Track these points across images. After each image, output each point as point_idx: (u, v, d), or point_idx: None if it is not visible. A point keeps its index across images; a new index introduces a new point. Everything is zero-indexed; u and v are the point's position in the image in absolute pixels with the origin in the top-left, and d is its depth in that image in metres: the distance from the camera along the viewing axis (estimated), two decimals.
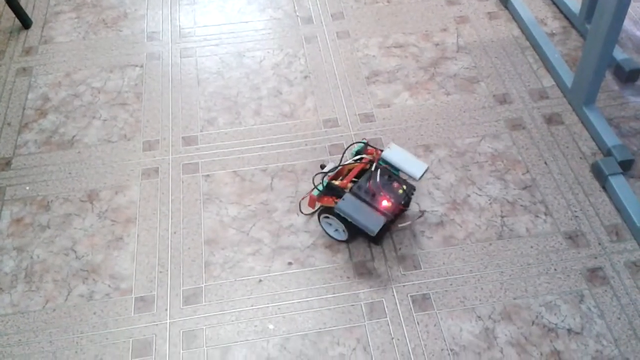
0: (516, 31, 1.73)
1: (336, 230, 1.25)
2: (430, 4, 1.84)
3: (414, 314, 1.16)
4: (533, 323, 1.13)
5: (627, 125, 1.45)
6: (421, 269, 1.22)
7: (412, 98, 1.57)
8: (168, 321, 1.18)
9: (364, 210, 1.16)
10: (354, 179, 1.22)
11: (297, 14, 1.85)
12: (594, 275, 1.19)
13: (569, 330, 1.12)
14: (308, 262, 1.25)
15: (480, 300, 1.17)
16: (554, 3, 1.80)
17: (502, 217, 1.29)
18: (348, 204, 1.17)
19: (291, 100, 1.59)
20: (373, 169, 1.21)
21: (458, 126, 1.49)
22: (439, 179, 1.38)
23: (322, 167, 1.29)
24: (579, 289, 1.17)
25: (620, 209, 1.27)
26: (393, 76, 1.63)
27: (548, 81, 1.58)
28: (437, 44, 1.71)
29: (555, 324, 1.13)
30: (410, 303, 1.17)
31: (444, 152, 1.43)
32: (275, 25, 1.81)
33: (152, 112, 1.56)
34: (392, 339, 1.13)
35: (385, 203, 1.17)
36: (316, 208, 1.30)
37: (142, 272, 1.25)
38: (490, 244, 1.25)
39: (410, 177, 1.22)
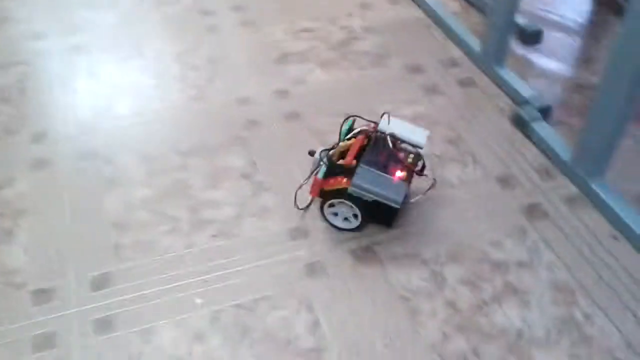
0: (418, 13, 1.75)
1: (346, 218, 1.09)
2: None
3: (359, 269, 1.06)
4: (481, 261, 1.07)
5: (536, 81, 1.47)
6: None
7: (326, 74, 1.52)
8: (73, 310, 1.00)
9: (381, 182, 1.02)
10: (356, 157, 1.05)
11: (195, 5, 1.77)
12: (533, 211, 1.15)
13: (519, 263, 1.06)
14: (234, 232, 1.13)
15: (423, 247, 1.09)
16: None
17: (432, 170, 1.24)
18: (364, 178, 1.02)
19: (198, 83, 1.49)
20: (374, 140, 1.07)
21: (375, 95, 1.45)
22: None
23: (311, 153, 1.10)
24: (521, 225, 1.13)
25: (546, 150, 1.27)
26: (304, 57, 1.58)
27: (456, 52, 1.59)
28: (344, 27, 1.69)
29: (504, 260, 1.07)
30: (353, 256, 1.07)
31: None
32: (172, 19, 1.72)
33: (38, 105, 1.41)
34: (341, 294, 1.02)
35: (399, 173, 1.03)
36: (310, 201, 1.12)
37: (39, 263, 1.07)
38: (424, 194, 1.19)
39: (414, 146, 1.09)
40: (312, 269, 1.06)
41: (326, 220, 1.11)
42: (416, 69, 1.53)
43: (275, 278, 1.04)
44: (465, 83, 1.48)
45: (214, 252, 1.09)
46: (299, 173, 1.22)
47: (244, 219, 1.15)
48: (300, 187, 1.11)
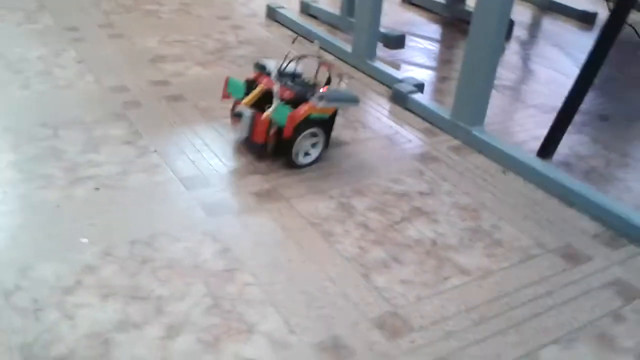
0: (289, 32, 1.82)
1: (307, 153, 1.10)
2: (203, 20, 1.85)
3: (262, 205, 0.99)
4: (384, 193, 1.06)
5: (407, 73, 1.57)
6: (258, 173, 1.08)
7: (205, 70, 1.50)
8: None
9: (335, 94, 1.11)
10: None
11: (58, 24, 1.70)
12: (425, 158, 1.18)
13: (420, 193, 1.06)
14: (120, 184, 1.01)
15: (327, 186, 1.06)
16: (313, 15, 1.96)
17: None
18: (326, 94, 1.07)
19: (67, 77, 1.39)
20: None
21: None
22: None
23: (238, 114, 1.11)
24: (416, 168, 1.14)
25: (426, 115, 1.33)
26: (180, 58, 1.55)
27: (329, 56, 1.66)
28: (218, 40, 1.71)
29: (406, 191, 1.07)
30: (256, 197, 1.01)
31: None
32: (35, 33, 1.63)
33: None
34: (245, 225, 0.94)
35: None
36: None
37: None
38: (322, 152, 1.18)
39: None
40: (214, 209, 0.97)
41: (294, 162, 1.09)
42: None
43: (174, 218, 0.94)
44: (341, 77, 1.53)
45: (99, 202, 0.96)
46: (194, 139, 1.16)
47: (130, 175, 1.04)
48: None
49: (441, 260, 0.90)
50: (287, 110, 1.04)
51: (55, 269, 0.82)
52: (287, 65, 1.12)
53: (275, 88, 1.06)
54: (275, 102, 1.05)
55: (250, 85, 1.12)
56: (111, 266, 0.83)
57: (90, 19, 1.77)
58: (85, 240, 0.88)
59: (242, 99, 1.10)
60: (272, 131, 1.07)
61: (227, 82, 1.14)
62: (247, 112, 1.08)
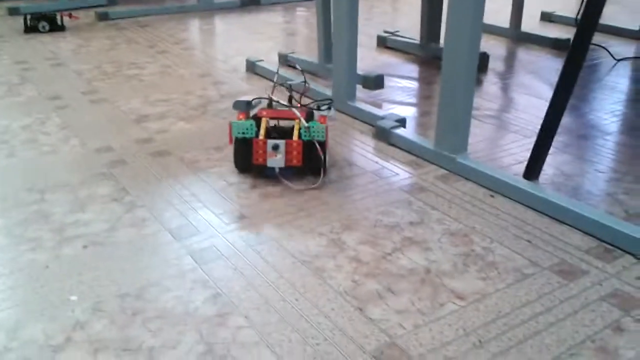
0: (270, 83, 1.85)
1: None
2: (184, 79, 1.89)
3: (252, 247, 0.99)
4: (375, 226, 1.05)
5: (387, 111, 1.59)
6: (246, 218, 1.08)
7: (189, 125, 1.52)
8: None
9: None
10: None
11: (41, 95, 1.73)
12: (413, 188, 1.18)
13: (411, 223, 1.06)
14: (110, 241, 1.01)
15: (316, 224, 1.06)
16: (292, 66, 2.00)
17: (311, 174, 1.25)
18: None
19: (52, 142, 1.40)
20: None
21: None
22: None
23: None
24: (405, 199, 1.14)
25: (410, 148, 1.34)
26: (164, 116, 1.57)
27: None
28: (200, 96, 1.73)
29: (396, 222, 1.06)
30: (245, 241, 1.00)
31: None
32: (18, 104, 1.65)
33: None
34: (235, 269, 0.93)
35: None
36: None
37: None
38: (308, 191, 1.18)
39: None
40: (203, 256, 0.96)
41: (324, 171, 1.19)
42: None
43: (163, 268, 0.93)
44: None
45: (88, 260, 0.95)
46: (181, 191, 1.16)
47: (118, 230, 1.04)
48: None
49: (436, 287, 0.89)
50: (322, 126, 1.16)
51: (44, 328, 0.80)
52: (272, 92, 1.27)
53: (297, 112, 1.19)
54: (303, 123, 1.16)
55: (258, 121, 1.18)
56: (101, 321, 0.81)
57: (73, 87, 1.80)
58: (74, 297, 0.87)
59: (256, 135, 1.16)
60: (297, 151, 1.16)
61: (231, 126, 1.15)
62: (282, 142, 1.14)
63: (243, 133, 1.17)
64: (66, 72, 1.95)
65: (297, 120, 1.19)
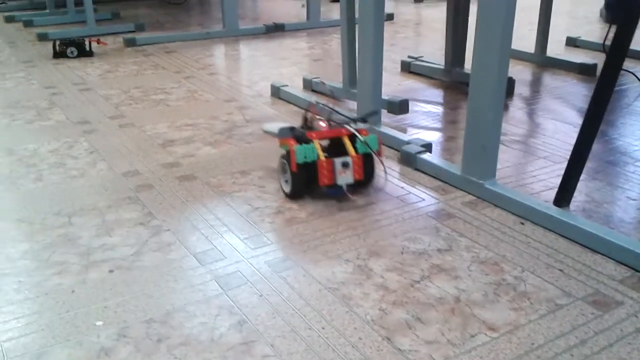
0: (294, 108, 1.86)
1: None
2: (210, 104, 1.90)
3: (278, 273, 0.98)
4: (402, 253, 1.04)
5: (414, 135, 1.58)
6: (271, 243, 1.07)
7: (215, 149, 1.52)
8: None
9: None
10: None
11: (70, 119, 1.75)
12: (440, 215, 1.17)
13: (439, 250, 1.04)
14: (135, 266, 1.01)
15: (342, 250, 1.05)
16: (315, 91, 2.01)
17: (336, 199, 1.24)
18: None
19: (79, 166, 1.42)
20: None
21: (268, 155, 1.46)
22: (263, 187, 1.29)
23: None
24: (432, 225, 1.13)
25: (437, 174, 1.32)
26: (190, 140, 1.58)
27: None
28: (226, 120, 1.74)
29: (424, 249, 1.05)
30: (270, 266, 1.00)
31: (261, 172, 1.37)
32: (47, 128, 1.68)
33: None
34: (260, 296, 0.92)
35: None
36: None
37: None
38: (334, 215, 1.17)
39: None
40: (229, 282, 0.96)
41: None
42: None
43: (187, 294, 0.93)
44: None
45: (114, 284, 0.95)
46: (206, 215, 1.16)
47: (144, 255, 1.04)
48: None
49: (466, 317, 0.87)
50: (374, 136, 1.22)
51: (70, 354, 0.80)
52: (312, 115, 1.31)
53: (351, 128, 1.24)
54: (360, 137, 1.22)
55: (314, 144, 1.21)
56: (126, 347, 0.81)
57: (101, 112, 1.83)
58: (100, 322, 0.86)
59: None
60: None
61: (295, 152, 1.17)
62: (348, 159, 1.19)
63: (305, 157, 1.17)
64: (94, 97, 1.98)
65: (344, 137, 1.22)
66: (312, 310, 0.88)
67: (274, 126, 1.32)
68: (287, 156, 1.20)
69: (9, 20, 3.46)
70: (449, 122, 1.72)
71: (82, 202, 1.23)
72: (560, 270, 0.98)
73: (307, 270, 0.98)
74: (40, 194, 1.28)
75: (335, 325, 0.85)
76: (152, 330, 0.84)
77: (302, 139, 1.21)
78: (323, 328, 0.84)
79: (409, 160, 1.39)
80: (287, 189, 1.23)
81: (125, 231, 1.12)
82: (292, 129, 1.25)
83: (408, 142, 1.44)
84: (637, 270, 0.97)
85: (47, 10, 3.54)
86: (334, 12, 3.71)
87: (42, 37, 2.89)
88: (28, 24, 3.29)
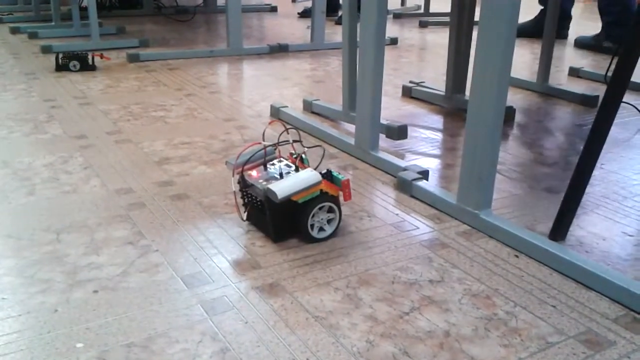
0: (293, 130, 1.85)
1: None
2: (209, 123, 1.90)
3: (265, 300, 0.96)
4: (393, 282, 1.02)
5: (410, 162, 1.57)
6: (261, 268, 1.05)
7: (210, 169, 1.51)
8: None
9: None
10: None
11: (67, 133, 1.75)
12: (433, 244, 1.15)
13: (431, 281, 1.02)
14: (121, 286, 0.99)
15: (332, 277, 1.03)
16: (316, 112, 2.00)
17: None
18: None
19: (72, 182, 1.41)
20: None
21: None
22: None
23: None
24: (424, 254, 1.11)
25: (432, 202, 1.31)
26: (186, 159, 1.57)
27: (332, 149, 1.67)
28: (224, 140, 1.74)
29: (415, 279, 1.03)
30: (258, 292, 0.98)
31: None
32: (43, 142, 1.67)
33: None
34: (246, 323, 0.90)
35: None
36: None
37: None
38: (326, 241, 1.15)
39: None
40: (214, 307, 0.94)
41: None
42: None
43: (172, 318, 0.91)
44: (346, 168, 1.54)
45: (96, 305, 0.93)
46: (196, 236, 1.15)
47: (130, 276, 1.02)
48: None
49: (455, 352, 0.85)
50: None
51: None
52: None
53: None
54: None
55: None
56: None
57: (99, 127, 1.82)
58: (80, 345, 0.84)
59: None
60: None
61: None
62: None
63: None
64: (93, 111, 1.98)
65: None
66: (298, 340, 0.86)
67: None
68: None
69: (14, 31, 3.48)
70: (447, 149, 1.71)
71: (72, 218, 1.22)
72: (553, 306, 0.96)
73: (295, 297, 0.96)
74: (32, 208, 1.26)
75: (320, 357, 0.83)
76: (133, 355, 0.82)
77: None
78: (307, 359, 0.82)
79: (405, 187, 1.37)
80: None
81: (113, 250, 1.10)
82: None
83: (405, 169, 1.43)
84: (632, 310, 0.95)
85: (53, 23, 3.56)
86: (338, 35, 3.73)
87: (46, 50, 2.90)
88: (33, 35, 3.31)
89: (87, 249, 1.10)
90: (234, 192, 1.16)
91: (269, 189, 1.06)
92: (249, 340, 0.86)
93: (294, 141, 1.19)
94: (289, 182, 1.08)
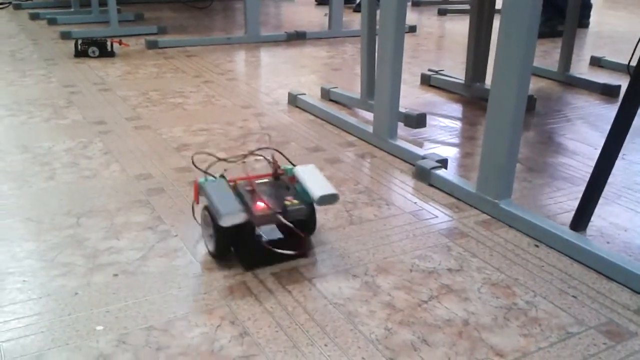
0: (310, 117, 1.85)
1: (210, 234, 1.01)
2: (227, 110, 1.90)
3: (284, 286, 0.96)
4: (411, 271, 1.01)
5: (430, 150, 1.56)
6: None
7: (228, 155, 1.51)
8: None
9: (229, 199, 0.97)
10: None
11: (86, 119, 1.76)
12: (452, 233, 1.14)
13: (449, 270, 1.02)
14: (140, 270, 1.00)
15: (350, 265, 1.03)
16: (333, 100, 2.00)
17: (348, 211, 1.22)
18: (214, 184, 1.00)
19: (92, 167, 1.42)
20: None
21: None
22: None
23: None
24: (443, 243, 1.10)
25: (451, 190, 1.30)
26: (204, 146, 1.58)
27: (351, 137, 1.67)
28: (241, 127, 1.74)
29: (434, 268, 1.02)
30: (277, 278, 0.98)
31: None
32: (62, 127, 1.68)
33: None
34: (264, 308, 0.90)
35: (260, 204, 0.98)
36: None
37: None
38: (344, 228, 1.15)
39: (310, 196, 1.00)
40: (233, 292, 0.94)
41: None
42: (317, 149, 1.57)
43: (191, 302, 0.91)
44: (364, 156, 1.53)
45: (116, 288, 0.94)
46: None
47: (150, 260, 1.03)
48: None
49: (474, 341, 0.84)
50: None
51: (67, 358, 0.78)
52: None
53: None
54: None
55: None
56: (125, 355, 0.79)
57: (118, 113, 1.83)
58: (100, 327, 0.85)
59: None
60: None
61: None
62: None
63: None
64: (112, 97, 1.99)
65: None
66: (316, 326, 0.86)
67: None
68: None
69: (34, 17, 3.50)
70: (466, 138, 1.69)
71: (92, 203, 1.23)
72: (574, 296, 0.95)
73: (313, 284, 0.96)
74: (52, 193, 1.27)
75: (338, 343, 0.83)
76: (152, 338, 0.83)
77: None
78: (325, 345, 0.82)
79: (423, 175, 1.37)
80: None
81: (133, 235, 1.11)
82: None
83: (423, 157, 1.42)
84: None
85: (72, 9, 3.57)
86: (356, 23, 3.71)
87: (65, 36, 2.92)
88: (52, 22, 3.33)
89: (107, 233, 1.11)
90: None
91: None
92: (268, 325, 0.86)
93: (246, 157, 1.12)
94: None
